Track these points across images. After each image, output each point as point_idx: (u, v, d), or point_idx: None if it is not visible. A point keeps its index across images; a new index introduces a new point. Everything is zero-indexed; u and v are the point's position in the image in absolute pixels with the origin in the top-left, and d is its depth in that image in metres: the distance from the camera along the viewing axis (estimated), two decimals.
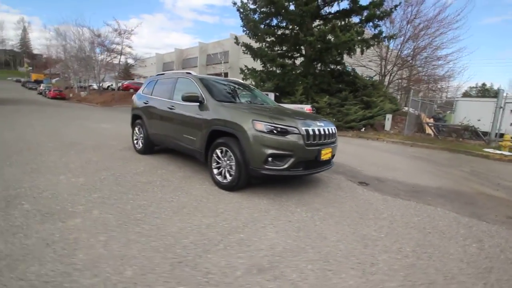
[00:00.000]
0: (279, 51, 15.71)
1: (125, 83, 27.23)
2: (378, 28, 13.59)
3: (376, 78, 17.90)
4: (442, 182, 4.59)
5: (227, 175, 3.31)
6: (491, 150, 8.04)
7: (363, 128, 13.03)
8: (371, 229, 2.56)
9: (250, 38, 15.35)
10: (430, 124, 12.74)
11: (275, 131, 2.99)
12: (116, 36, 23.19)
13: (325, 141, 3.37)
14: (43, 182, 3.24)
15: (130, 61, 24.55)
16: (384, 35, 13.90)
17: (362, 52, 13.96)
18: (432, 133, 13.14)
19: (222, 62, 37.17)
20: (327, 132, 3.38)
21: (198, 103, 3.76)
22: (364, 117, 13.09)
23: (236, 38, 15.90)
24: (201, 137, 3.64)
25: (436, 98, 20.38)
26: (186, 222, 2.44)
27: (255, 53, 15.61)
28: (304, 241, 2.25)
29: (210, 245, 2.09)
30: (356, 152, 7.11)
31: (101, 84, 27.49)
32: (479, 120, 12.22)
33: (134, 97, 5.56)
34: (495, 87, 49.82)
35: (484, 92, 50.67)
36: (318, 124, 3.35)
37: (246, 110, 3.38)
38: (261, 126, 3.01)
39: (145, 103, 4.93)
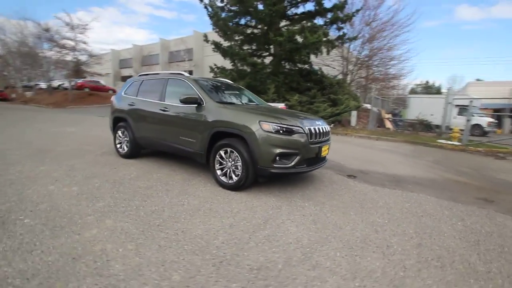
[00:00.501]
0: (248, 50, 15.85)
1: (79, 81, 24.94)
2: (342, 30, 14.44)
3: (340, 77, 19.01)
4: (414, 171, 5.16)
5: (233, 175, 3.36)
6: (443, 141, 9.16)
7: (332, 125, 13.81)
8: (375, 217, 2.84)
9: (220, 36, 15.26)
10: (390, 119, 13.98)
11: (281, 131, 3.12)
12: (68, 31, 21.07)
13: (323, 138, 3.61)
14: (32, 193, 2.96)
15: (84, 57, 22.48)
16: (347, 36, 14.81)
17: (328, 52, 14.74)
18: (391, 127, 14.47)
19: (186, 59, 36.17)
20: (324, 130, 3.61)
21: (195, 105, 3.73)
22: (333, 114, 13.89)
23: (205, 36, 15.62)
24: (201, 139, 3.62)
25: (391, 96, 22.37)
26: (208, 224, 2.46)
27: (225, 52, 15.58)
28: (324, 232, 2.43)
29: (241, 243, 2.16)
30: (334, 147, 7.56)
31: (50, 83, 24.81)
32: (432, 114, 13.79)
33: (113, 98, 5.26)
34: (437, 84, 56.10)
35: (427, 88, 56.65)
36: (317, 123, 3.57)
37: (251, 112, 3.46)
38: (269, 126, 3.12)
39: (131, 105, 4.70)
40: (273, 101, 13.80)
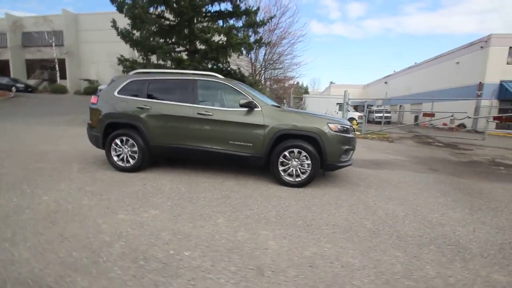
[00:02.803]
0: (166, 44, 14.72)
1: None
2: (259, 34, 15.77)
3: (250, 78, 20.58)
4: (374, 156, 6.85)
5: (301, 174, 3.68)
6: (358, 133, 12.04)
7: None
8: (399, 193, 3.91)
9: (132, 26, 13.44)
10: None
11: (343, 130, 3.72)
12: None
13: None
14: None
15: None
16: (263, 41, 16.27)
17: (247, 54, 15.78)
18: None
19: (54, 45, 28.81)
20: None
21: (247, 109, 3.74)
22: None
23: (114, 21, 13.29)
24: (262, 142, 3.69)
25: (294, 95, 26.10)
26: (352, 213, 2.82)
27: (136, 43, 13.94)
28: (378, 205, 3.27)
29: (397, 220, 2.70)
30: None
31: None
32: (326, 111, 17.35)
33: (100, 101, 4.19)
34: (305, 85, 68.02)
35: (299, 89, 68.34)
36: (346, 121, 4.36)
37: (312, 115, 3.86)
38: (335, 127, 3.65)
39: (143, 109, 3.96)
40: None
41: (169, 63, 14.04)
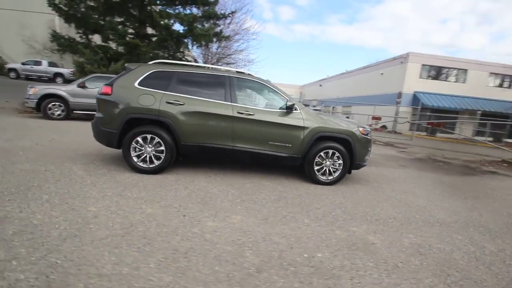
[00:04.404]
0: (114, 23, 12.95)
1: None
2: (220, 27, 15.40)
3: None
4: None
5: (335, 173, 4.01)
6: None
7: None
8: (405, 187, 4.70)
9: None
10: None
11: (367, 134, 4.19)
12: None
13: None
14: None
15: None
16: (222, 34, 15.92)
17: (207, 46, 15.23)
18: None
19: None
20: None
21: (285, 110, 3.85)
22: None
23: None
24: (301, 143, 3.84)
25: None
26: (394, 207, 3.25)
27: (78, 20, 11.97)
28: (403, 198, 3.97)
29: (425, 211, 3.25)
30: None
31: None
32: None
33: (117, 92, 3.60)
34: None
35: None
36: None
37: (341, 119, 4.18)
38: (364, 131, 4.09)
39: (174, 104, 3.58)
40: None
41: (115, 46, 12.40)
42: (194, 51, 19.27)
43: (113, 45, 13.56)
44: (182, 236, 2.12)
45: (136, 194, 2.88)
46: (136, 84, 3.65)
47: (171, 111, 3.59)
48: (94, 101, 8.60)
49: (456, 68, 21.26)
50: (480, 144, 13.93)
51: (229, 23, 20.11)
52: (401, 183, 4.71)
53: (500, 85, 21.90)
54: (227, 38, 16.74)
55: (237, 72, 4.04)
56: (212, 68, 4.07)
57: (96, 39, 13.66)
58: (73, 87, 8.79)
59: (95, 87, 9.08)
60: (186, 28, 13.38)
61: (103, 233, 2.04)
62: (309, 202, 3.22)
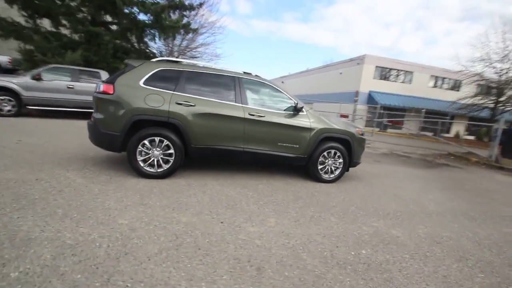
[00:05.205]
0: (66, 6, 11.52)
1: None
2: (187, 19, 14.76)
3: None
4: None
5: (336, 171, 4.27)
6: None
7: None
8: (392, 181, 5.23)
9: None
10: None
11: (362, 134, 4.53)
12: None
13: None
14: None
15: None
16: (191, 27, 15.29)
17: (174, 38, 14.50)
18: None
19: None
20: None
21: (292, 112, 3.97)
22: None
23: None
24: (307, 144, 4.00)
25: None
26: (394, 201, 3.60)
27: (29, 4, 10.43)
28: (397, 193, 4.45)
29: (420, 202, 3.68)
30: None
31: None
32: None
33: (121, 91, 3.29)
34: None
35: None
36: None
37: (339, 120, 4.43)
38: (360, 131, 4.41)
39: (184, 105, 3.41)
40: None
41: (69, 33, 11.13)
42: (155, 43, 18.18)
43: (66, 31, 12.11)
44: (234, 244, 2.10)
45: (159, 202, 2.72)
46: (141, 83, 3.39)
47: (181, 113, 3.42)
48: (52, 95, 7.95)
49: (404, 70, 23.74)
50: (424, 139, 15.91)
51: (195, 15, 19.44)
52: (385, 178, 5.20)
53: (440, 86, 25.14)
54: (195, 30, 16.15)
55: (244, 73, 4.01)
56: (210, 67, 3.94)
57: (45, 24, 12.00)
58: (26, 79, 7.68)
59: (53, 79, 8.11)
60: (152, 18, 12.57)
61: (153, 247, 1.92)
62: (323, 200, 3.40)
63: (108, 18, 13.18)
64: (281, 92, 4.06)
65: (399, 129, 21.53)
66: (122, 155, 4.35)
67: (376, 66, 22.82)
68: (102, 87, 3.33)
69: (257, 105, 3.86)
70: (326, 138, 4.15)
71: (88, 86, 8.58)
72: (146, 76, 3.44)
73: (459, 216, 3.45)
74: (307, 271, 1.86)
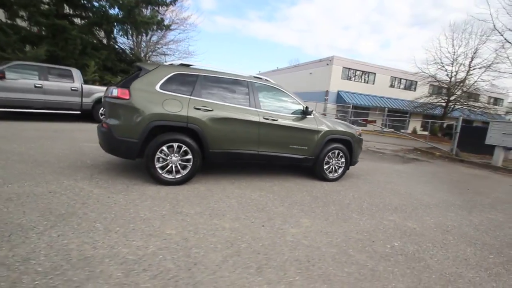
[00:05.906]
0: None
1: None
2: (160, 16, 14.18)
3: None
4: None
5: (339, 170, 4.56)
6: None
7: None
8: (387, 178, 5.69)
9: None
10: None
11: (360, 134, 4.87)
12: None
13: None
14: None
15: None
16: (164, 23, 14.69)
17: (147, 34, 13.86)
18: None
19: None
20: None
21: (301, 115, 4.16)
22: None
23: None
24: (315, 145, 4.22)
25: None
26: (394, 196, 3.97)
27: None
28: (398, 189, 4.92)
29: (420, 197, 4.12)
30: None
31: None
32: None
33: (137, 96, 3.15)
34: None
35: None
36: None
37: (341, 121, 4.71)
38: (359, 132, 4.75)
39: (202, 110, 3.38)
40: (93, 82, 10.82)
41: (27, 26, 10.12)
42: (122, 39, 17.15)
43: (23, 24, 10.91)
44: (287, 246, 2.20)
45: (193, 210, 2.71)
46: (157, 88, 3.29)
47: (200, 118, 3.40)
48: (18, 95, 7.15)
49: (368, 72, 25.50)
50: (388, 136, 17.34)
51: (165, 11, 18.70)
52: (377, 175, 5.66)
53: (399, 87, 27.46)
54: (168, 27, 15.58)
55: (254, 77, 4.07)
56: (221, 71, 3.95)
57: None
58: None
59: (19, 78, 7.32)
60: (123, 13, 11.86)
61: (216, 256, 1.95)
62: (338, 199, 3.64)
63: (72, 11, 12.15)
64: (289, 96, 4.21)
65: (364, 126, 23.14)
66: (122, 160, 4.18)
67: (343, 67, 24.15)
68: (116, 92, 3.17)
69: (269, 109, 3.96)
70: (331, 139, 4.41)
71: (58, 85, 7.92)
72: (162, 80, 3.34)
73: (451, 206, 3.94)
74: (361, 266, 2.04)
